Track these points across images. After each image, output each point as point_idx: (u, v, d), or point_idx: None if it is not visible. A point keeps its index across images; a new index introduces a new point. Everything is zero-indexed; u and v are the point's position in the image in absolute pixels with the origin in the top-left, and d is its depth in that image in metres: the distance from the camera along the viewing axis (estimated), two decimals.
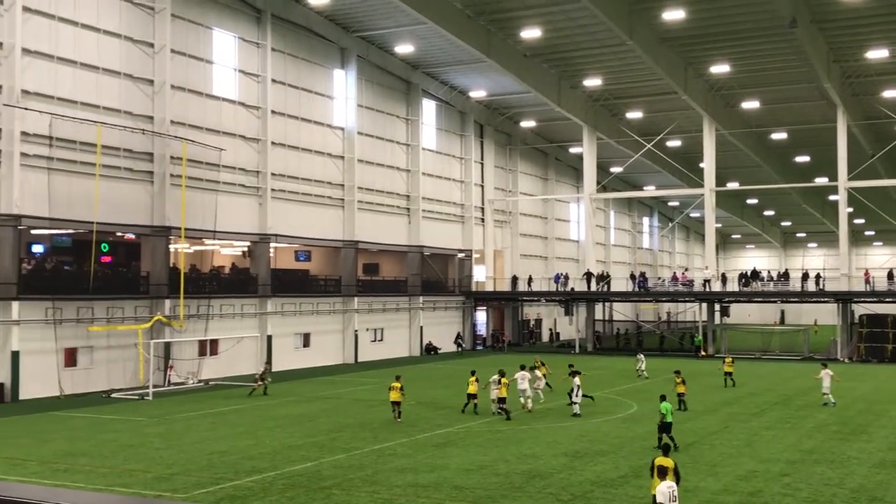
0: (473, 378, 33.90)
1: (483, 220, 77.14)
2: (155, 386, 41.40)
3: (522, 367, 36.19)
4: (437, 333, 69.00)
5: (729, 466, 23.76)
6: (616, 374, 50.11)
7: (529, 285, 76.26)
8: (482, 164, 77.33)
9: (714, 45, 59.74)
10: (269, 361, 48.20)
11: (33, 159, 40.04)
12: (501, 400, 33.06)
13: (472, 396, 33.61)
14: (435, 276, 70.54)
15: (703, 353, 64.76)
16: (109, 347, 43.41)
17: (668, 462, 17.58)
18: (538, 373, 38.15)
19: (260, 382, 40.92)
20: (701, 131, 70.54)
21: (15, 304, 39.02)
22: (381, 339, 63.87)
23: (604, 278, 74.16)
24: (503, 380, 33.44)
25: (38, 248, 44.36)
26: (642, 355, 50.48)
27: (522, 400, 34.81)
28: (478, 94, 71.27)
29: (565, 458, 24.97)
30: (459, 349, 69.85)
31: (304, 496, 20.35)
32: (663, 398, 26.77)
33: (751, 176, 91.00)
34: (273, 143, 53.50)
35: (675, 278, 79.21)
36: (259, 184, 52.69)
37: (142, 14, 45.57)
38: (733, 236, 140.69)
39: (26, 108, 39.36)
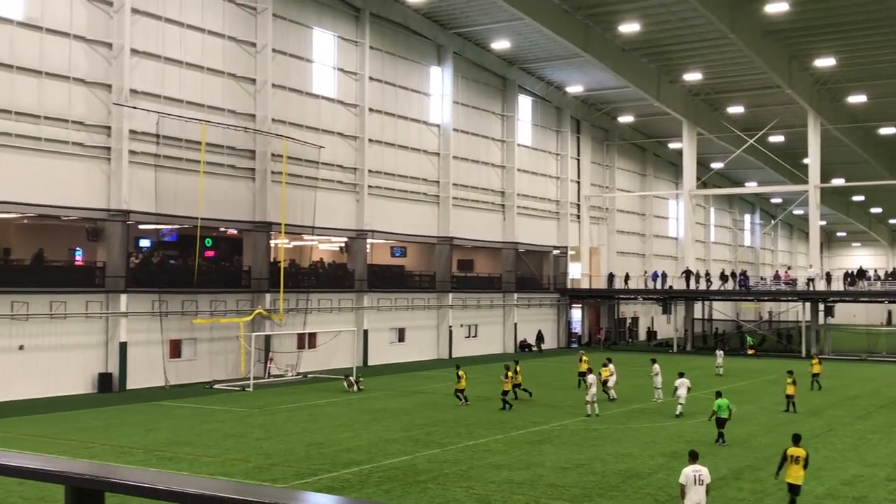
0: (513, 368, 35.96)
1: (579, 216, 76.52)
2: (255, 378, 42.42)
3: (605, 364, 37.29)
4: (531, 330, 68.80)
5: (833, 470, 23.12)
6: (713, 375, 49.13)
7: (626, 283, 75.39)
8: (578, 160, 76.69)
9: (819, 37, 57.99)
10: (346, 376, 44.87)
11: (141, 157, 41.37)
12: (505, 392, 34.53)
13: (505, 393, 34.69)
14: (529, 272, 70.30)
15: (751, 351, 65.36)
16: (212, 340, 44.59)
17: (799, 451, 18.07)
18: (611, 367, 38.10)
19: (351, 387, 40.79)
20: (805, 126, 68.56)
21: (123, 297, 40.39)
22: (475, 336, 64.01)
23: (734, 277, 72.55)
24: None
25: (144, 243, 45.75)
26: (720, 352, 52.19)
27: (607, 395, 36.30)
28: (574, 89, 70.78)
29: (663, 458, 24.65)
30: (535, 349, 67.85)
31: (401, 489, 20.56)
32: (719, 395, 27.58)
33: (857, 172, 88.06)
34: (370, 140, 54.16)
35: (777, 277, 77.34)
36: (356, 180, 53.39)
37: (244, 14, 46.63)
38: (838, 234, 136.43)
39: (135, 107, 40.66)
